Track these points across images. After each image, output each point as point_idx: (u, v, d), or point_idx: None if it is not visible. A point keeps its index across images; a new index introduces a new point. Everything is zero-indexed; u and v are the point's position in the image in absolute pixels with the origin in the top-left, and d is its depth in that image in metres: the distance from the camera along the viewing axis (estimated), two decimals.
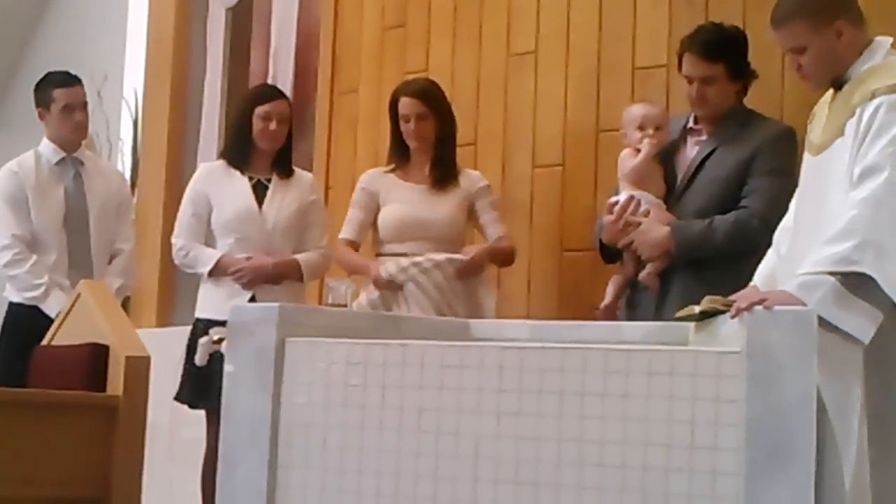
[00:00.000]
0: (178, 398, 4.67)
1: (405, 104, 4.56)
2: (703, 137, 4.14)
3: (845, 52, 3.26)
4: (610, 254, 4.22)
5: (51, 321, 4.39)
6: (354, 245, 4.61)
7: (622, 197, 4.09)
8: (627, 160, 4.16)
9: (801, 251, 3.15)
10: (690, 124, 4.19)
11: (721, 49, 4.07)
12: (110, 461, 3.75)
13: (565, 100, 4.81)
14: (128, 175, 6.81)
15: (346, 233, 4.63)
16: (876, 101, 3.09)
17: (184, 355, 4.66)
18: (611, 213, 4.10)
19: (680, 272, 4.01)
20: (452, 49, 5.14)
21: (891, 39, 3.31)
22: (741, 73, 4.12)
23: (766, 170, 3.95)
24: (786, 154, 3.97)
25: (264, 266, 4.65)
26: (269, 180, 4.77)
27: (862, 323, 2.85)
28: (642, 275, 4.05)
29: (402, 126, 4.57)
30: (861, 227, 2.92)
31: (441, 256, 4.40)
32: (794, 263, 3.12)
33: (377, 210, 4.58)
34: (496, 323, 3.79)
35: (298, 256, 4.74)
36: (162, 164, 6.76)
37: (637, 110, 4.22)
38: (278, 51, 6.39)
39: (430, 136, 4.56)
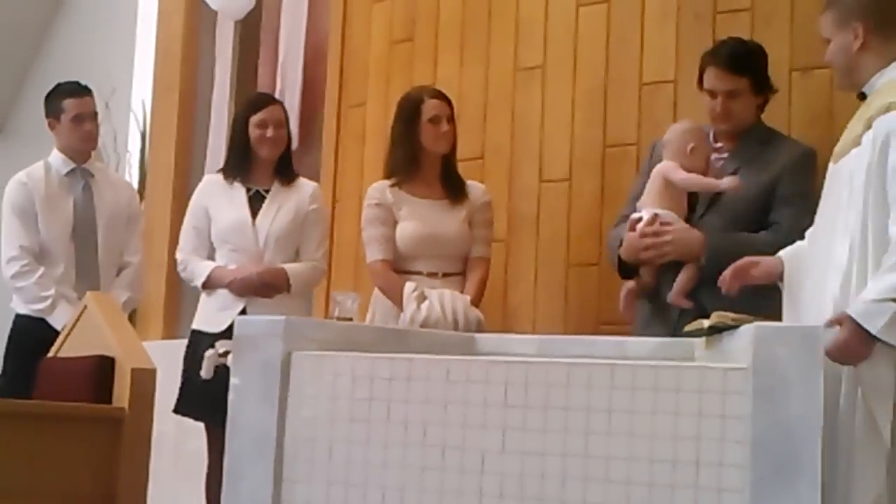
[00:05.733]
0: (176, 410, 4.67)
1: (436, 105, 4.53)
2: (724, 155, 4.12)
3: (864, 59, 3.28)
4: (628, 269, 4.19)
5: (57, 333, 4.40)
6: (392, 264, 4.51)
7: (645, 214, 4.07)
8: (676, 170, 4.07)
9: (818, 254, 3.23)
10: (710, 141, 4.18)
11: (746, 62, 4.07)
12: (116, 473, 3.75)
13: (572, 114, 4.80)
14: (135, 187, 6.82)
15: (379, 253, 4.52)
16: (890, 115, 3.08)
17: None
18: (633, 229, 4.07)
19: (707, 294, 3.88)
20: (460, 63, 5.15)
21: None
22: (764, 87, 4.11)
23: (789, 194, 3.93)
24: (808, 177, 3.98)
25: (249, 276, 4.65)
26: (267, 191, 4.76)
27: None
28: (671, 296, 4.00)
29: (430, 129, 4.50)
30: None
31: (459, 304, 4.39)
32: (813, 263, 3.25)
33: (395, 224, 4.54)
34: (502, 337, 3.78)
35: (287, 266, 4.72)
36: (169, 176, 6.77)
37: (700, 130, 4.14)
38: (286, 64, 6.40)
39: (451, 143, 4.58)
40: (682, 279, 4.01)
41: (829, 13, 3.37)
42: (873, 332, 2.83)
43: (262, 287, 4.65)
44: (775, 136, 4.15)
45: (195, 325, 4.74)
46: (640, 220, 4.07)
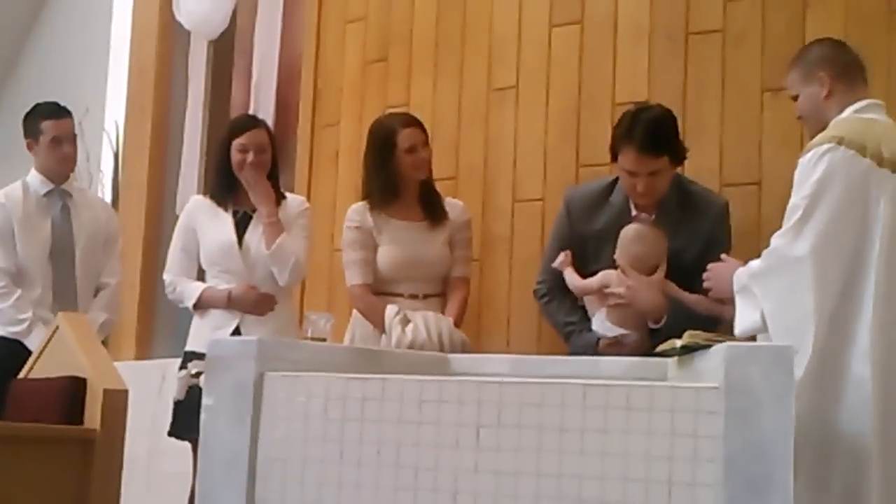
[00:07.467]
0: (171, 433, 4.61)
1: (412, 134, 4.54)
2: (651, 219, 4.11)
3: (830, 106, 3.46)
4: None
5: None
6: (372, 288, 4.53)
7: (627, 333, 4.03)
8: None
9: None
10: (633, 211, 4.15)
11: (665, 141, 4.00)
12: (87, 494, 3.71)
13: (546, 134, 4.82)
14: None
15: (359, 277, 4.54)
16: (807, 155, 3.31)
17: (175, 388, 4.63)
18: (616, 344, 4.03)
19: None
20: (434, 83, 5.16)
21: (877, 102, 3.43)
22: (681, 156, 4.08)
23: (722, 250, 3.84)
24: (728, 228, 4.10)
25: (247, 290, 4.62)
26: (255, 211, 4.73)
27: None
28: None
29: (407, 157, 4.52)
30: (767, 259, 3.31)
31: (444, 326, 4.39)
32: None
33: (376, 247, 4.55)
34: (475, 357, 3.78)
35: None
36: (142, 196, 6.76)
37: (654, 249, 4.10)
38: (260, 84, 6.39)
39: (429, 168, 4.58)
40: None
41: (793, 71, 3.55)
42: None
43: (259, 300, 4.62)
44: (688, 193, 4.14)
45: (189, 347, 4.68)
46: (623, 337, 4.04)
